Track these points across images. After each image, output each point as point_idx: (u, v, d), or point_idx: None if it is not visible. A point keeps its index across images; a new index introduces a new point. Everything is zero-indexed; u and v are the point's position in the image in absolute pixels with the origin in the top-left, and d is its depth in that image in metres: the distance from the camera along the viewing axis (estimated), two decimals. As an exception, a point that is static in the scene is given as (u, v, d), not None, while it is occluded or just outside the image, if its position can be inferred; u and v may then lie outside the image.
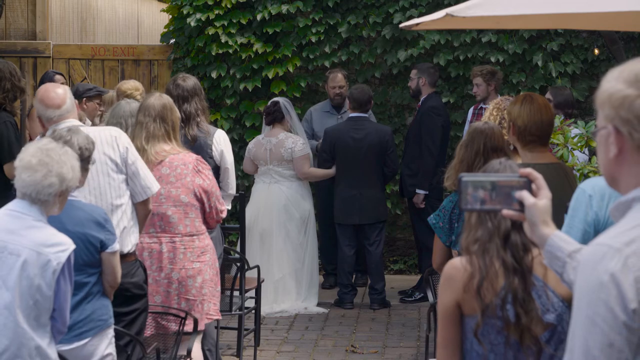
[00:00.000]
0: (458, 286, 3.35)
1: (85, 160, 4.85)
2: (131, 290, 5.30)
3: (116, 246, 4.89)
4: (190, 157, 5.97)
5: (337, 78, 9.63)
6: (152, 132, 5.90)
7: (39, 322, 4.08)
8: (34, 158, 4.09)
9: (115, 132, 5.46)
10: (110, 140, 5.38)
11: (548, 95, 8.51)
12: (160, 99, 5.98)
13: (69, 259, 4.10)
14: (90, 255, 4.79)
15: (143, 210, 5.49)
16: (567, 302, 3.30)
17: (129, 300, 5.30)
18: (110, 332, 4.86)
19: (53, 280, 4.06)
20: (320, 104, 9.91)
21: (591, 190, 3.77)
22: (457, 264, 3.38)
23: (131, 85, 7.61)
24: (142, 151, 5.83)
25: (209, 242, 6.03)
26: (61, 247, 4.09)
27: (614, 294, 2.20)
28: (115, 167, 5.34)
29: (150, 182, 5.45)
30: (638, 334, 2.21)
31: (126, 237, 5.35)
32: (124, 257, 5.28)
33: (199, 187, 5.93)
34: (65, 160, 4.14)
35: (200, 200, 5.93)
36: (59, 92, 5.41)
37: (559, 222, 3.85)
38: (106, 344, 4.81)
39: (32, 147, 4.17)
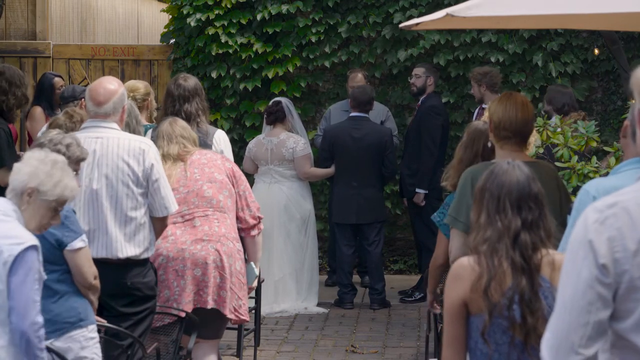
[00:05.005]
0: (465, 285, 3.36)
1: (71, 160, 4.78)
2: (143, 291, 5.30)
3: (77, 244, 4.73)
4: (216, 153, 6.19)
5: (357, 78, 9.65)
6: (173, 154, 6.02)
7: None
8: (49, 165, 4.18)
9: (145, 145, 5.36)
10: (137, 152, 5.29)
11: (547, 102, 8.51)
12: (172, 124, 6.06)
13: (24, 254, 3.94)
14: (46, 251, 4.59)
15: (159, 225, 5.45)
16: None
17: (140, 301, 5.29)
18: (85, 334, 4.73)
19: (4, 272, 3.93)
20: (340, 102, 9.89)
21: (595, 192, 3.77)
22: (465, 263, 3.39)
23: (129, 85, 7.55)
24: (173, 160, 5.95)
25: (238, 239, 6.03)
26: (17, 240, 3.96)
27: (587, 250, 2.44)
28: (136, 179, 5.28)
29: (169, 203, 5.39)
30: (612, 290, 2.38)
31: (144, 252, 5.32)
32: (138, 260, 5.29)
33: (229, 169, 6.04)
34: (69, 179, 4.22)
35: (231, 181, 5.99)
36: (109, 88, 5.35)
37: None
38: (78, 347, 4.69)
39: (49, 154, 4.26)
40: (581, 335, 2.46)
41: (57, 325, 4.63)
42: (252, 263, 6.17)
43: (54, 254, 4.72)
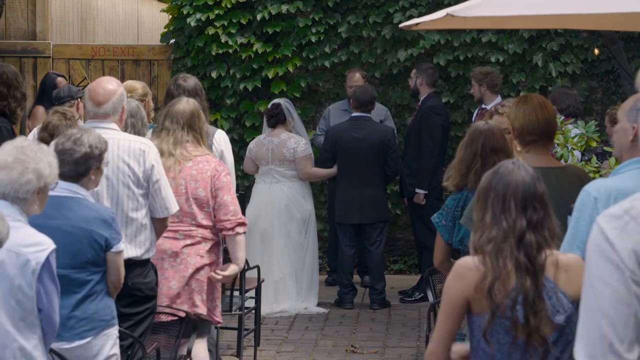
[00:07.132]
0: (469, 285, 3.35)
1: (95, 158, 4.82)
2: (143, 291, 5.31)
3: (121, 246, 4.85)
4: (215, 158, 6.04)
5: (355, 77, 9.65)
6: (179, 139, 5.92)
7: (25, 322, 4.00)
8: (9, 156, 4.04)
9: (146, 145, 5.35)
10: (137, 153, 5.29)
11: (551, 102, 8.49)
12: (187, 105, 5.97)
13: (48, 258, 4.02)
14: (94, 253, 4.76)
15: (160, 226, 5.46)
16: (576, 303, 3.30)
17: (141, 301, 5.30)
18: (114, 333, 4.84)
19: (33, 280, 3.98)
20: (340, 102, 9.90)
21: (596, 193, 3.74)
22: (470, 262, 3.38)
23: (127, 85, 7.52)
24: (168, 154, 5.84)
25: (218, 241, 5.98)
26: (40, 246, 4.01)
27: (614, 254, 2.41)
28: (136, 180, 5.28)
29: (170, 203, 5.39)
30: None
31: (146, 253, 5.34)
32: (139, 261, 5.30)
33: (215, 182, 5.92)
34: (42, 157, 4.09)
35: (214, 197, 5.90)
36: (109, 88, 5.34)
37: (562, 226, 3.84)
38: (110, 345, 4.79)
39: (7, 146, 4.10)
40: (622, 338, 2.42)
41: (94, 324, 4.74)
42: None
43: (99, 256, 4.81)
